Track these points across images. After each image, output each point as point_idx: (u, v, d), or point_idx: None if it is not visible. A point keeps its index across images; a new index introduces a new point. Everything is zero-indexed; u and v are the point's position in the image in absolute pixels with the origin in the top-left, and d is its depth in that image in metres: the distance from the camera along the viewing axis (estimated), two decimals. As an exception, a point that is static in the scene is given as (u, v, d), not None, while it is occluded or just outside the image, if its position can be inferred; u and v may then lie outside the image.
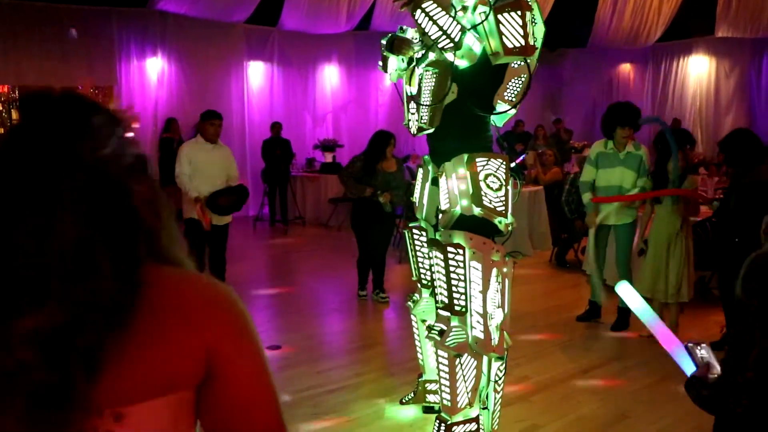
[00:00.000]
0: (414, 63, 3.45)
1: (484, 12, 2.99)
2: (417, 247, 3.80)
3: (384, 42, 3.52)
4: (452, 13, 3.00)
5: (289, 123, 11.45)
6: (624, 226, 5.41)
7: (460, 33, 2.99)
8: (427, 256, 3.65)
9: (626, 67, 14.27)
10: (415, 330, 4.03)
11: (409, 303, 3.97)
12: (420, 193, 3.68)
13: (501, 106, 3.28)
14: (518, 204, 8.43)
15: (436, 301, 3.32)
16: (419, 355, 4.03)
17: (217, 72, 11.31)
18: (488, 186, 3.18)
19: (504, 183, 3.21)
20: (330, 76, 12.76)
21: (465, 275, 3.14)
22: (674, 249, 5.16)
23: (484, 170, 3.21)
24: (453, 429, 3.25)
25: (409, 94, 3.51)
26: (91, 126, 0.92)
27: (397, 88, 3.75)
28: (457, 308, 3.16)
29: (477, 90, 3.20)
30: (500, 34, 2.95)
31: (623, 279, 5.38)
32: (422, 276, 3.82)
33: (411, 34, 3.50)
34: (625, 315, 5.49)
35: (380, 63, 3.72)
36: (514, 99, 3.21)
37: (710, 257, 5.30)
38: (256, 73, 11.92)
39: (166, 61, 10.87)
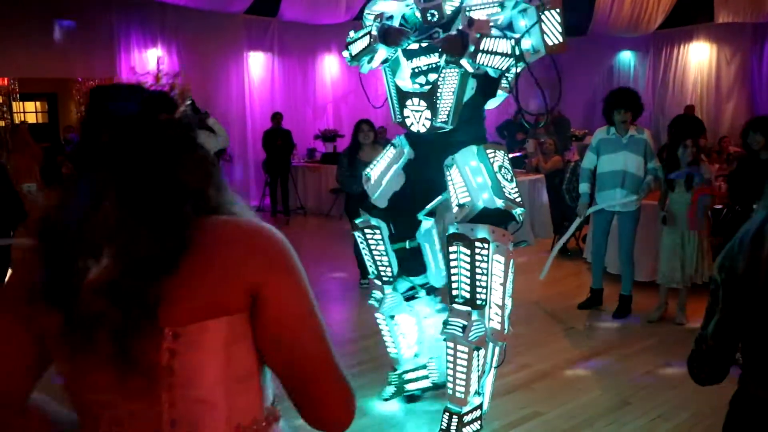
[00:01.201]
0: (402, 55, 3.34)
1: (532, 10, 3.00)
2: (372, 245, 3.67)
3: (375, 33, 3.26)
4: (502, 32, 2.97)
5: (289, 113, 11.44)
6: (628, 214, 5.41)
7: (517, 45, 2.96)
8: (382, 252, 3.61)
9: (627, 55, 14.22)
10: (383, 327, 3.91)
11: (373, 302, 3.85)
12: (383, 172, 3.50)
13: (500, 94, 3.32)
14: (520, 192, 8.46)
15: (453, 296, 3.23)
16: (392, 350, 3.95)
17: (217, 63, 11.29)
18: (504, 177, 3.21)
19: (513, 173, 3.28)
20: (330, 66, 12.72)
21: (488, 269, 3.13)
22: (689, 234, 5.17)
23: (495, 162, 3.23)
24: (464, 419, 3.28)
25: (404, 89, 3.34)
26: (127, 105, 1.10)
27: (361, 80, 3.65)
28: (478, 302, 3.15)
29: (492, 83, 3.24)
30: (542, 32, 3.00)
31: (625, 267, 5.45)
32: (382, 273, 3.72)
33: (397, 20, 3.41)
34: (626, 302, 5.52)
35: (349, 53, 3.44)
36: (508, 85, 3.26)
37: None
38: (257, 64, 11.90)
39: (165, 53, 10.85)
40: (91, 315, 1.02)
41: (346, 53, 3.46)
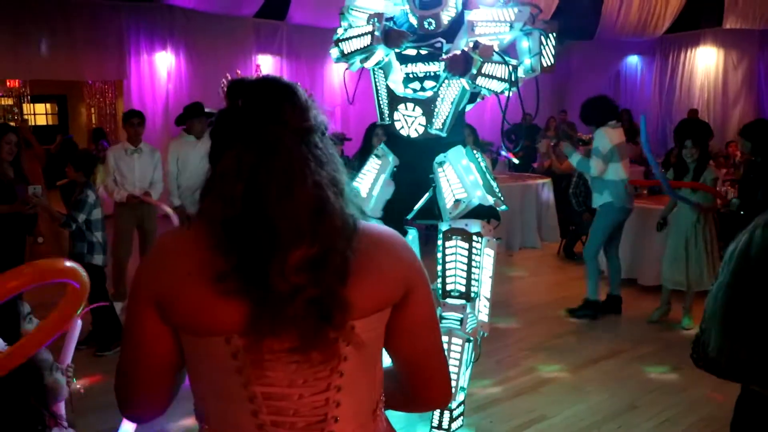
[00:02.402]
0: (394, 59, 3.34)
1: (537, 34, 3.16)
2: None
3: (378, 34, 3.21)
4: (502, 57, 3.06)
5: (297, 116, 11.48)
6: (601, 206, 5.50)
7: (514, 72, 3.07)
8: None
9: (634, 59, 14.24)
10: None
11: None
12: (372, 184, 3.52)
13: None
14: (527, 196, 8.54)
15: (446, 291, 3.32)
16: None
17: (225, 66, 11.32)
18: (490, 176, 3.37)
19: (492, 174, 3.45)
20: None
21: (480, 262, 3.25)
22: (695, 239, 5.19)
23: (481, 161, 3.39)
24: (453, 414, 3.34)
25: (398, 93, 3.35)
26: (294, 98, 1.17)
27: (345, 77, 3.64)
28: (472, 295, 3.25)
29: (475, 93, 3.35)
30: (541, 54, 3.17)
31: (591, 258, 5.48)
32: None
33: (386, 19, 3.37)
34: (616, 301, 5.63)
35: (338, 52, 3.39)
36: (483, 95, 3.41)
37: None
38: (265, 67, 11.95)
39: (175, 56, 10.92)
40: (288, 291, 1.08)
41: (335, 50, 3.41)
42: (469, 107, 3.51)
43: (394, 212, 3.55)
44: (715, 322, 1.66)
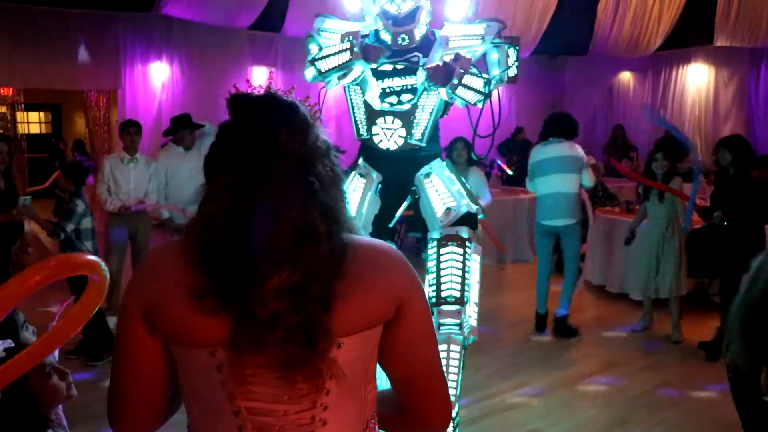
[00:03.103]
0: (370, 74, 3.40)
1: (505, 47, 3.32)
2: None
3: (357, 50, 3.29)
4: (479, 71, 3.21)
5: (292, 128, 11.50)
6: (570, 226, 5.61)
7: (488, 86, 3.22)
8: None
9: (626, 75, 14.35)
10: None
11: None
12: (360, 202, 3.55)
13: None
14: (519, 210, 8.57)
15: (441, 298, 3.35)
16: None
17: (220, 77, 11.36)
18: (467, 186, 3.50)
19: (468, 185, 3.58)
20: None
21: (469, 268, 3.31)
22: (665, 247, 5.40)
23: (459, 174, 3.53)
24: (454, 420, 3.35)
25: (375, 108, 3.40)
26: (292, 121, 1.15)
27: (319, 96, 3.66)
28: (465, 300, 3.29)
29: (447, 105, 3.45)
30: (507, 66, 3.31)
31: (568, 282, 5.61)
32: None
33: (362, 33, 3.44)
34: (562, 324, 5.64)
35: (314, 71, 3.43)
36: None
37: (711, 263, 5.41)
38: (260, 79, 11.99)
39: (170, 66, 10.94)
40: (268, 316, 1.07)
41: (311, 70, 3.46)
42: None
43: (381, 228, 3.63)
44: (737, 335, 1.66)
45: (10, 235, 4.91)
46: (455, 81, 3.14)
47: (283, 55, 11.83)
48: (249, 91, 1.22)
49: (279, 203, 1.09)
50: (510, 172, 10.44)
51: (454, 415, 3.37)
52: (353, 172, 3.65)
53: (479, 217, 3.45)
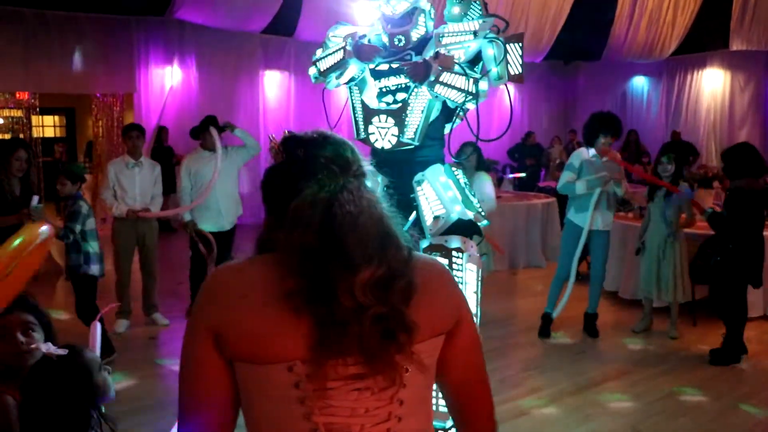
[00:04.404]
0: (367, 72, 3.43)
1: (501, 42, 3.26)
2: None
3: (350, 49, 3.37)
4: (463, 69, 3.18)
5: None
6: (605, 233, 5.57)
7: (475, 85, 3.18)
8: None
9: (640, 80, 14.28)
10: None
11: None
12: None
13: (456, 121, 3.54)
14: (531, 215, 8.53)
15: None
16: None
17: (233, 81, 11.43)
18: (470, 192, 3.42)
19: (473, 190, 3.51)
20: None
21: (463, 278, 3.25)
22: (667, 251, 5.46)
23: (460, 178, 3.44)
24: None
25: (371, 107, 3.44)
26: (345, 148, 1.30)
27: (323, 97, 3.76)
28: None
29: (451, 109, 3.42)
30: (507, 61, 3.27)
31: (595, 284, 5.63)
32: None
33: (369, 37, 3.49)
34: (591, 320, 5.71)
35: (316, 70, 3.54)
36: (463, 115, 3.50)
37: (705, 268, 5.45)
38: (272, 83, 12.03)
39: (183, 70, 11.00)
40: (355, 307, 1.12)
41: (312, 69, 3.55)
42: (448, 127, 3.59)
43: None
44: None
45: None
46: (432, 78, 3.13)
47: (295, 59, 11.87)
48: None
49: (360, 210, 1.19)
50: (522, 175, 10.43)
51: (451, 425, 3.34)
52: None
53: (482, 224, 3.39)
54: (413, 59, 3.34)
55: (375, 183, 1.33)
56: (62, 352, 1.91)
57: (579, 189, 5.44)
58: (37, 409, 1.86)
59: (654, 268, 5.50)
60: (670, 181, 5.41)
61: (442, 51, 3.25)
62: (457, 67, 3.19)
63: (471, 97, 3.19)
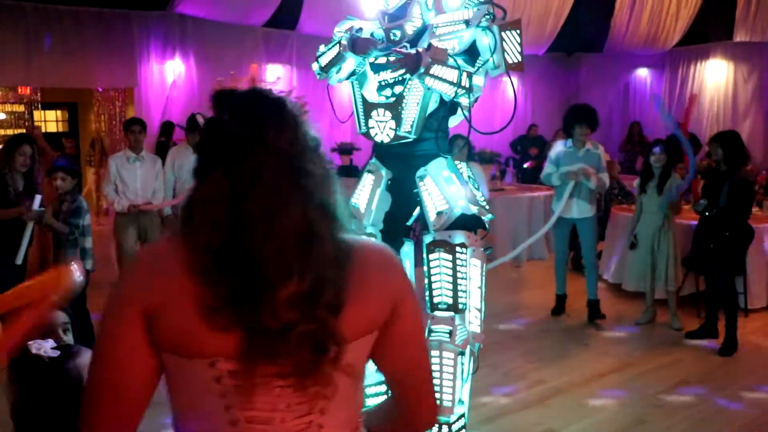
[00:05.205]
0: (368, 66, 3.41)
1: (495, 29, 3.20)
2: None
3: (345, 42, 3.33)
4: (455, 62, 3.13)
5: (306, 125, 11.51)
6: (586, 220, 5.79)
7: (468, 78, 3.13)
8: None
9: (643, 72, 14.22)
10: None
11: None
12: (369, 199, 3.57)
13: (459, 114, 3.50)
14: (534, 207, 8.52)
15: (435, 304, 3.32)
16: None
17: (235, 75, 11.40)
18: (473, 186, 3.41)
19: (477, 184, 3.49)
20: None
21: (467, 273, 3.24)
22: (661, 242, 5.54)
23: (463, 172, 3.42)
24: (452, 428, 3.31)
25: (370, 101, 3.43)
26: (281, 118, 1.11)
27: (329, 92, 3.74)
28: (460, 306, 3.25)
29: (452, 102, 3.37)
30: (503, 50, 3.21)
31: (590, 271, 5.82)
32: None
33: (365, 30, 3.47)
34: (594, 306, 5.83)
35: (318, 66, 3.50)
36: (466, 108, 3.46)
37: (698, 254, 5.45)
38: (275, 77, 12.00)
39: (185, 64, 10.98)
40: (280, 327, 1.04)
41: (315, 65, 3.53)
42: (454, 122, 3.57)
43: (392, 224, 3.61)
44: None
45: (16, 234, 4.81)
46: (422, 70, 3.09)
47: (298, 52, 11.84)
48: (234, 86, 1.17)
49: (278, 205, 1.05)
50: (529, 164, 10.45)
51: (455, 419, 3.34)
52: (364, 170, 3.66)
53: (485, 218, 3.38)
54: (408, 50, 3.31)
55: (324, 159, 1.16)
56: (54, 353, 1.88)
57: (553, 180, 5.80)
58: (30, 410, 1.83)
59: (648, 259, 5.56)
60: (661, 171, 5.48)
61: (435, 42, 3.20)
62: (450, 60, 3.14)
63: (464, 90, 3.14)
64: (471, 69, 3.21)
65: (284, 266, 1.04)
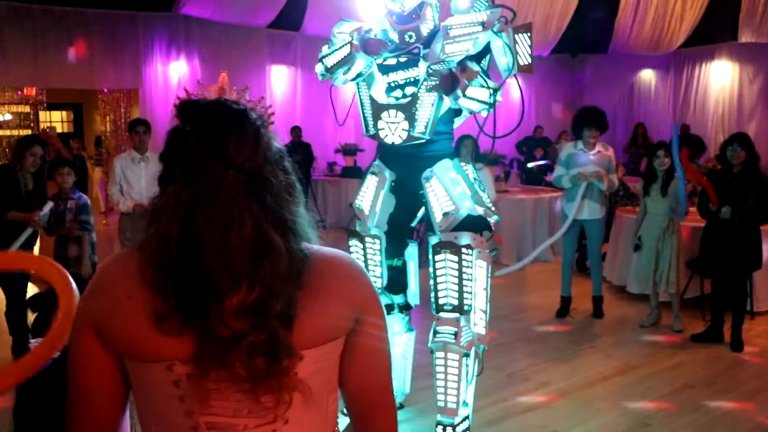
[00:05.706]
0: (376, 69, 3.41)
1: (510, 32, 3.24)
2: (369, 255, 3.71)
3: (356, 43, 3.34)
4: (485, 82, 3.16)
5: (310, 127, 11.51)
6: (595, 222, 5.84)
7: (493, 96, 3.17)
8: (377, 263, 3.66)
9: (648, 73, 14.19)
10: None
11: None
12: (373, 200, 3.60)
13: (464, 115, 3.55)
14: (539, 209, 8.51)
15: (439, 305, 3.33)
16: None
17: (239, 76, 11.41)
18: (479, 188, 3.43)
19: (482, 185, 3.50)
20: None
21: (472, 274, 3.25)
22: (665, 244, 5.52)
23: (470, 173, 3.45)
24: (456, 430, 3.31)
25: (380, 102, 3.43)
26: (242, 131, 1.11)
27: (331, 94, 3.77)
28: (466, 308, 3.24)
29: (458, 107, 3.39)
30: (515, 52, 3.24)
31: (595, 269, 5.81)
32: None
33: (375, 31, 3.47)
34: (598, 303, 5.93)
35: (323, 67, 3.51)
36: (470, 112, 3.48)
37: (716, 260, 5.33)
38: (279, 78, 12.02)
39: (189, 65, 11.00)
40: (231, 336, 1.04)
41: (319, 66, 3.51)
42: (458, 122, 3.60)
43: (396, 226, 3.61)
44: None
45: (15, 231, 4.80)
46: (459, 93, 3.12)
47: (302, 53, 11.86)
48: (199, 96, 1.13)
49: (231, 219, 1.05)
50: (542, 163, 10.47)
51: (459, 420, 3.33)
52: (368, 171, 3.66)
53: (491, 219, 3.38)
54: (421, 52, 3.32)
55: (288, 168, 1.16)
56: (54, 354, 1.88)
57: (564, 182, 5.81)
58: (30, 410, 1.83)
59: (653, 261, 5.55)
60: (664, 174, 5.46)
61: (448, 45, 3.20)
62: (480, 79, 3.17)
63: (489, 106, 3.20)
64: (495, 86, 3.23)
65: (232, 276, 1.04)
